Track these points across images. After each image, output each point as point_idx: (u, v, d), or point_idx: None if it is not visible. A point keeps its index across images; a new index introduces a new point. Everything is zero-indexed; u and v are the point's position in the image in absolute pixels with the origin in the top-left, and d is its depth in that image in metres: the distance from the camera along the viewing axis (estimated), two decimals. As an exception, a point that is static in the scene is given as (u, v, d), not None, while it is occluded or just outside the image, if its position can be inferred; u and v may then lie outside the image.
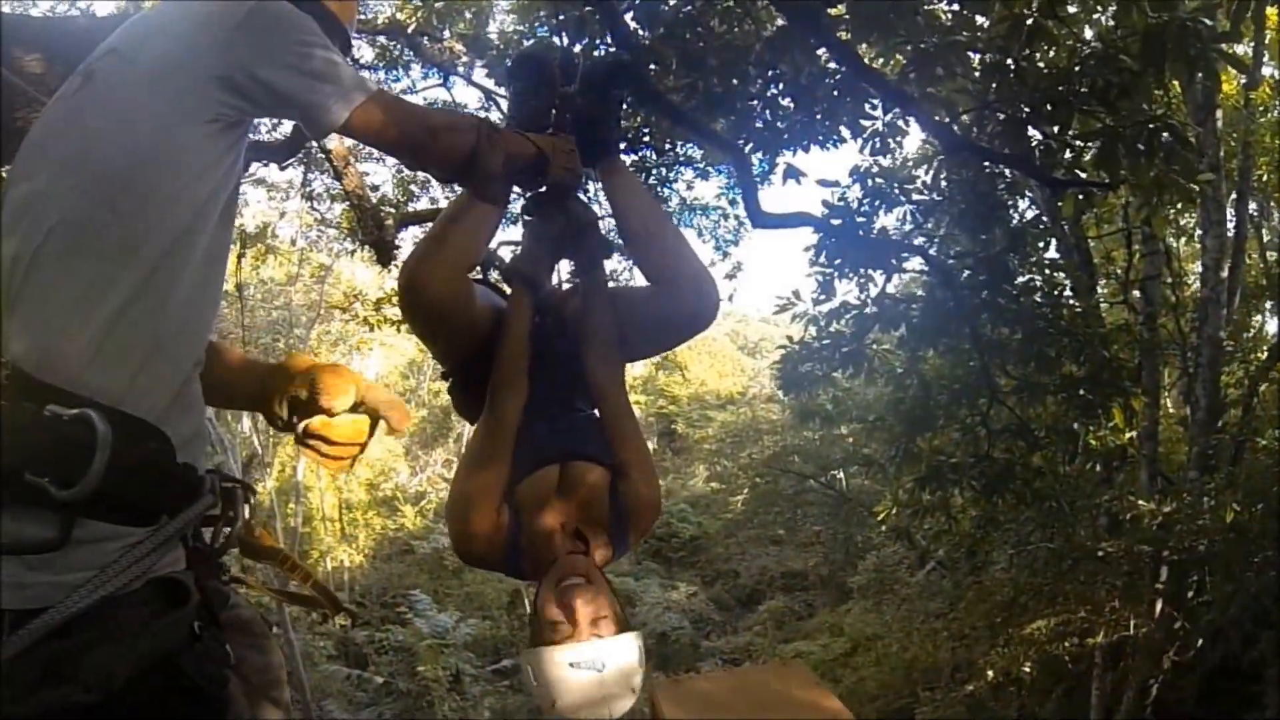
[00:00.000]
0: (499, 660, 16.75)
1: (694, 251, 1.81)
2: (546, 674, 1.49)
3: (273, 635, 1.49)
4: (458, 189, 1.74)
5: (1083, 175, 4.67)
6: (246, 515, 1.33)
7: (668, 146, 9.01)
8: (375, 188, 10.53)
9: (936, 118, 4.48)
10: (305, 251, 18.22)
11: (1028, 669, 9.14)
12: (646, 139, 8.54)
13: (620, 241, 1.98)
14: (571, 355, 1.77)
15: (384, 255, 9.53)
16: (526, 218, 1.84)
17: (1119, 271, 10.23)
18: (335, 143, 8.09)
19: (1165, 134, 3.97)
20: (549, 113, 1.77)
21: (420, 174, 10.34)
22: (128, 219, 1.13)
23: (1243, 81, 9.12)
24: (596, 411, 1.79)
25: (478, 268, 1.84)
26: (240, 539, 1.34)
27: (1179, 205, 5.75)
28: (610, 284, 1.90)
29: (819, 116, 4.80)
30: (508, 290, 1.82)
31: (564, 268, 1.94)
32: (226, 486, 1.29)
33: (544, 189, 1.77)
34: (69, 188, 1.13)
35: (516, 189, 1.77)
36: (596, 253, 1.82)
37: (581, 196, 1.89)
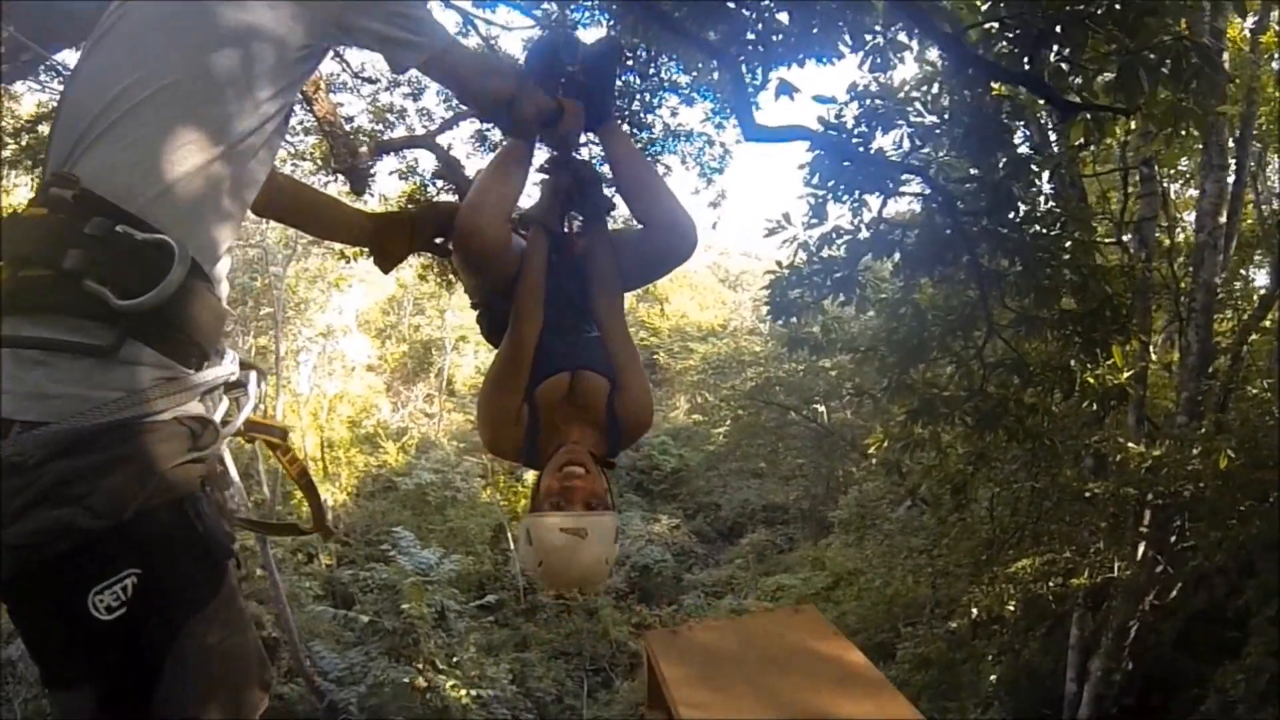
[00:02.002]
0: (483, 595, 16.88)
1: (676, 198, 2.15)
2: (538, 535, 1.82)
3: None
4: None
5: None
6: (259, 397, 1.40)
7: (651, 71, 8.68)
8: (350, 119, 10.18)
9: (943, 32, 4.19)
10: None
11: (1011, 608, 9.19)
12: (629, 63, 8.19)
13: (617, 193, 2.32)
14: (579, 287, 2.13)
15: (358, 183, 9.17)
16: (542, 176, 2.22)
17: (1114, 212, 9.99)
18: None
19: (1192, 56, 3.73)
20: (558, 89, 2.10)
21: (396, 103, 10.66)
22: (228, 105, 1.23)
23: (1249, 29, 8.82)
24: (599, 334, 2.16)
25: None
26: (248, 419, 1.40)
27: (1189, 136, 5.49)
28: (609, 229, 2.28)
29: (815, 29, 4.50)
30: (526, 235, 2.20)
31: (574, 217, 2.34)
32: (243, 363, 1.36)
33: (557, 152, 2.16)
34: (186, 63, 1.22)
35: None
36: (599, 205, 2.23)
37: (586, 159, 2.35)
